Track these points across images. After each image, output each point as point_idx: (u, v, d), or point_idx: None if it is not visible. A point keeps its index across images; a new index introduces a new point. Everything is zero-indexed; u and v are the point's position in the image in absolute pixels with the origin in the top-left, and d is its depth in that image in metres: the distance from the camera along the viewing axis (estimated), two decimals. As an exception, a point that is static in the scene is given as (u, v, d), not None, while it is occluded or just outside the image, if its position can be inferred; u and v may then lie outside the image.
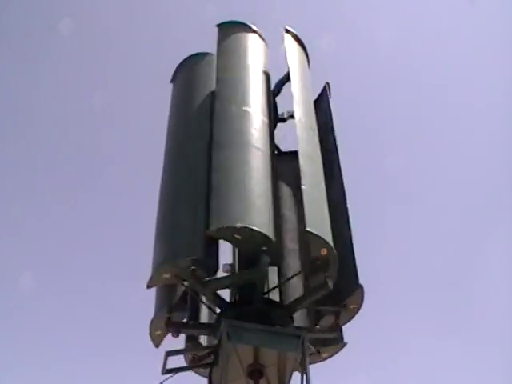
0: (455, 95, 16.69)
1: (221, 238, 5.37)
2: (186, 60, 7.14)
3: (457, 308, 15.67)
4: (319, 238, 5.20)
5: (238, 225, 5.09)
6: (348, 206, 6.08)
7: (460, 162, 16.72)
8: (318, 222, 5.34)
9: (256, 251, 5.23)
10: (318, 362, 6.01)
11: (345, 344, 5.93)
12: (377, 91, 16.78)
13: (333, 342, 5.91)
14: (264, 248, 5.18)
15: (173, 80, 7.19)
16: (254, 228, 5.09)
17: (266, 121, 6.23)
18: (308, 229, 5.14)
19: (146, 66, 16.71)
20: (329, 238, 5.32)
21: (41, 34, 16.99)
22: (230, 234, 5.16)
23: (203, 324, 5.96)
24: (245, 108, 6.11)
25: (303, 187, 5.46)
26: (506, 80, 15.00)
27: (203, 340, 6.06)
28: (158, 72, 16.52)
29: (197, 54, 7.10)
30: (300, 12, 16.59)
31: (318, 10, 16.77)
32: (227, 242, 5.51)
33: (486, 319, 15.12)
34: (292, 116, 6.66)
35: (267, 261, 5.24)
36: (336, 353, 5.99)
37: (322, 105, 7.15)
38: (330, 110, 7.03)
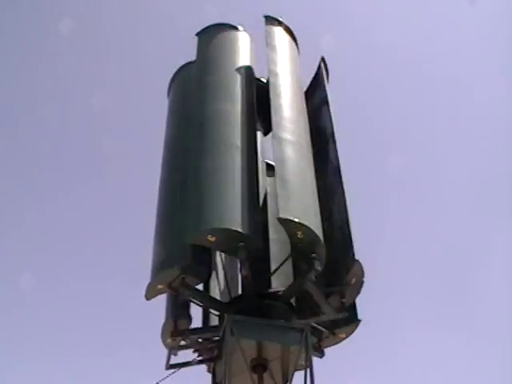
0: (455, 95, 16.74)
1: (199, 244, 5.36)
2: (177, 72, 7.27)
3: (458, 306, 15.71)
4: (290, 221, 5.11)
5: (206, 228, 5.13)
6: (345, 188, 5.94)
7: (461, 161, 16.74)
8: (293, 207, 5.25)
9: (235, 249, 5.19)
10: (337, 343, 5.96)
11: (359, 321, 5.81)
12: (377, 91, 16.81)
13: (347, 321, 5.80)
14: (242, 243, 5.14)
15: (168, 93, 7.33)
16: (222, 227, 5.12)
17: (245, 116, 6.14)
18: (280, 215, 5.09)
19: (146, 65, 16.74)
20: (306, 220, 5.22)
21: (41, 34, 17.04)
22: (204, 237, 5.17)
23: (209, 327, 6.02)
24: (221, 107, 6.10)
25: (276, 173, 5.44)
26: (508, 79, 15.02)
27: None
28: (158, 72, 16.56)
29: (188, 63, 7.16)
30: (300, 11, 16.59)
31: (319, 9, 16.79)
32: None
33: (487, 318, 15.13)
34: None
35: (244, 256, 5.18)
36: (353, 332, 5.88)
37: (317, 83, 7.05)
38: (324, 85, 6.92)
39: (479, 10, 15.80)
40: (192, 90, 6.49)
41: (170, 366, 5.70)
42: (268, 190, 6.22)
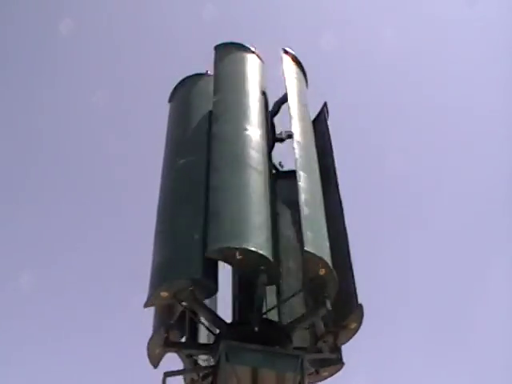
0: (455, 95, 16.70)
1: (219, 259, 5.36)
2: (183, 80, 7.18)
3: (457, 328, 15.69)
4: (318, 257, 5.18)
5: (236, 246, 5.09)
6: (346, 224, 6.07)
7: (462, 168, 16.74)
8: (317, 241, 5.33)
9: (254, 271, 5.22)
10: (318, 381, 6.02)
11: (343, 364, 5.91)
12: (377, 91, 16.78)
13: (332, 361, 5.88)
14: (262, 268, 5.18)
15: (170, 100, 7.23)
16: (251, 249, 5.10)
17: (264, 141, 6.25)
18: (306, 248, 5.13)
19: (146, 65, 16.70)
20: (327, 258, 5.30)
21: (41, 34, 16.97)
22: (228, 254, 5.15)
23: (202, 344, 5.96)
24: (241, 129, 6.12)
25: (301, 205, 5.47)
26: (507, 80, 14.99)
27: (201, 361, 6.05)
28: (158, 71, 16.53)
29: (195, 75, 7.12)
30: (300, 11, 16.54)
31: (319, 8, 16.74)
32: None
33: (486, 340, 15.14)
34: (290, 136, 6.68)
35: (265, 281, 5.25)
36: (336, 372, 5.97)
37: (319, 125, 7.16)
38: (328, 130, 7.05)
39: (479, 10, 15.77)
40: (206, 104, 6.50)
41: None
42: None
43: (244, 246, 5.11)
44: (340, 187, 6.45)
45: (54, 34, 16.29)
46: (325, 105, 7.35)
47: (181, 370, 5.76)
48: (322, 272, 5.23)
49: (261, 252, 5.11)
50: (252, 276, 5.33)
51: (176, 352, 5.72)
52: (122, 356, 16.35)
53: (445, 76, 16.67)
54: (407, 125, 16.82)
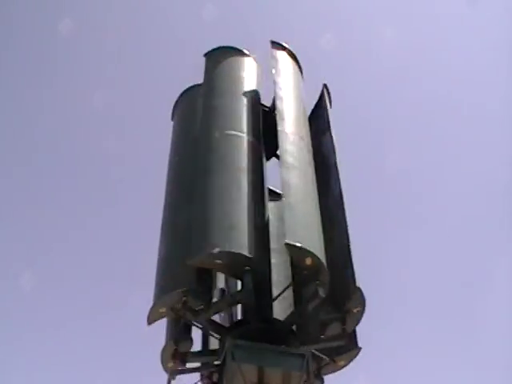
0: (456, 95, 16.72)
1: (204, 266, 5.39)
2: (182, 95, 7.31)
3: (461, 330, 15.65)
4: (299, 248, 5.14)
5: (215, 250, 5.14)
6: (347, 214, 5.96)
7: (463, 170, 16.74)
8: (300, 233, 5.28)
9: (240, 272, 5.27)
10: (337, 370, 5.97)
11: (360, 349, 5.83)
12: (377, 92, 16.81)
13: (347, 348, 5.81)
14: (247, 268, 5.20)
15: (172, 117, 7.35)
16: (230, 250, 5.16)
17: (254, 140, 6.23)
18: (286, 241, 5.11)
19: (146, 65, 16.70)
20: (313, 247, 5.27)
21: (41, 34, 16.99)
22: (211, 260, 5.22)
23: (210, 351, 6.01)
24: (228, 132, 6.14)
25: (283, 198, 5.47)
26: (508, 80, 15.01)
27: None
28: (158, 71, 16.53)
29: (193, 87, 7.21)
30: (300, 10, 16.54)
31: (318, 8, 16.76)
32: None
33: (490, 343, 15.09)
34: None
35: (250, 280, 5.22)
36: (352, 359, 5.89)
37: (320, 109, 7.11)
38: (327, 112, 6.97)
39: (479, 10, 15.79)
40: (198, 112, 6.53)
41: None
42: (270, 215, 6.20)
43: (224, 249, 5.16)
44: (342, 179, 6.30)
45: (54, 34, 16.30)
46: (324, 86, 7.24)
47: (186, 369, 5.78)
48: (309, 261, 5.20)
49: (240, 252, 5.17)
50: (241, 278, 5.35)
51: (184, 363, 5.72)
52: (122, 356, 16.36)
53: (445, 76, 16.70)
54: (407, 124, 16.85)
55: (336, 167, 6.38)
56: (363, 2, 16.83)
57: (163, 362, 5.70)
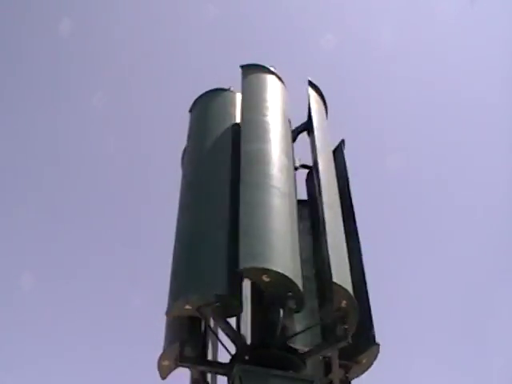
0: (456, 95, 16.74)
1: (248, 278, 5.35)
2: (206, 93, 7.19)
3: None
4: (344, 289, 5.16)
5: (273, 268, 5.02)
6: (363, 257, 6.06)
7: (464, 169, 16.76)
8: (342, 272, 5.32)
9: (281, 295, 5.19)
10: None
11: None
12: (377, 91, 16.81)
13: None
14: (290, 293, 5.14)
15: (191, 109, 7.21)
16: (285, 274, 5.04)
17: (291, 164, 6.30)
18: (335, 280, 5.10)
19: (146, 65, 16.66)
20: (350, 289, 5.28)
21: (41, 34, 16.92)
22: (259, 275, 5.07)
23: (216, 362, 5.87)
24: (271, 151, 6.13)
25: (328, 237, 5.44)
26: (508, 80, 15.04)
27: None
28: (158, 72, 16.48)
29: (216, 90, 7.16)
30: (300, 10, 16.52)
31: (318, 8, 16.74)
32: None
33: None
34: (303, 166, 6.91)
35: (293, 307, 5.20)
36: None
37: (337, 161, 7.08)
38: (345, 166, 7.01)
39: (480, 10, 15.82)
40: (229, 119, 6.61)
41: None
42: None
43: (278, 269, 5.04)
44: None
45: (54, 34, 16.23)
46: (342, 142, 7.29)
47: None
48: (344, 304, 5.20)
49: (292, 278, 5.06)
50: (277, 300, 5.31)
51: (188, 367, 5.68)
52: (122, 356, 16.41)
53: (445, 76, 16.70)
54: (408, 124, 16.87)
55: (353, 209, 6.49)
56: (363, 2, 16.80)
57: (160, 362, 5.58)
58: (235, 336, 5.58)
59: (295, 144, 7.01)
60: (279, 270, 5.01)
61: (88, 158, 17.11)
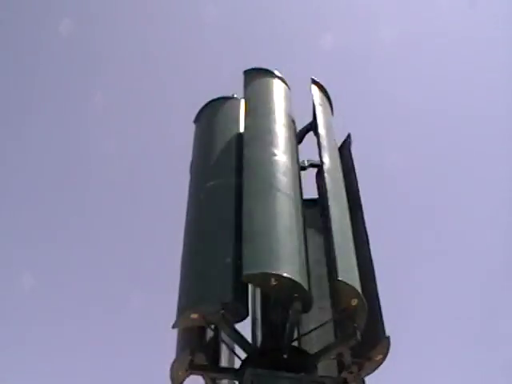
0: (456, 95, 16.77)
1: (253, 283, 5.38)
2: (210, 102, 7.17)
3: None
4: (351, 287, 5.18)
5: (276, 272, 5.05)
6: (372, 254, 6.02)
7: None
8: (349, 271, 5.32)
9: (288, 298, 5.22)
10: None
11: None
12: (376, 91, 16.83)
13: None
14: (296, 295, 5.15)
15: (196, 120, 7.23)
16: (291, 277, 5.06)
17: (294, 168, 6.27)
18: (341, 278, 5.12)
19: (146, 65, 16.66)
20: (359, 287, 5.29)
21: (41, 34, 16.90)
22: (264, 280, 5.10)
23: (227, 368, 5.93)
24: (274, 154, 6.12)
25: (333, 235, 5.47)
26: (509, 81, 15.06)
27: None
28: (158, 71, 16.47)
29: (221, 98, 7.14)
30: (299, 10, 16.54)
31: (318, 7, 16.76)
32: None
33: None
34: (312, 165, 6.89)
35: (299, 308, 5.21)
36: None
37: (343, 157, 7.08)
38: (352, 162, 7.01)
39: (480, 10, 15.86)
40: (233, 127, 6.59)
41: None
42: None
43: (281, 272, 5.06)
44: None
45: (54, 34, 16.22)
46: (348, 137, 7.25)
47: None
48: (354, 302, 5.20)
49: (297, 280, 5.07)
50: (284, 303, 5.31)
51: (201, 375, 5.68)
52: (123, 356, 16.40)
53: (445, 76, 16.73)
54: (409, 125, 16.90)
55: (361, 208, 6.46)
56: (363, 2, 16.83)
57: (173, 371, 5.59)
58: (242, 341, 5.60)
59: (304, 143, 7.10)
60: (283, 274, 5.05)
61: (88, 157, 17.12)
